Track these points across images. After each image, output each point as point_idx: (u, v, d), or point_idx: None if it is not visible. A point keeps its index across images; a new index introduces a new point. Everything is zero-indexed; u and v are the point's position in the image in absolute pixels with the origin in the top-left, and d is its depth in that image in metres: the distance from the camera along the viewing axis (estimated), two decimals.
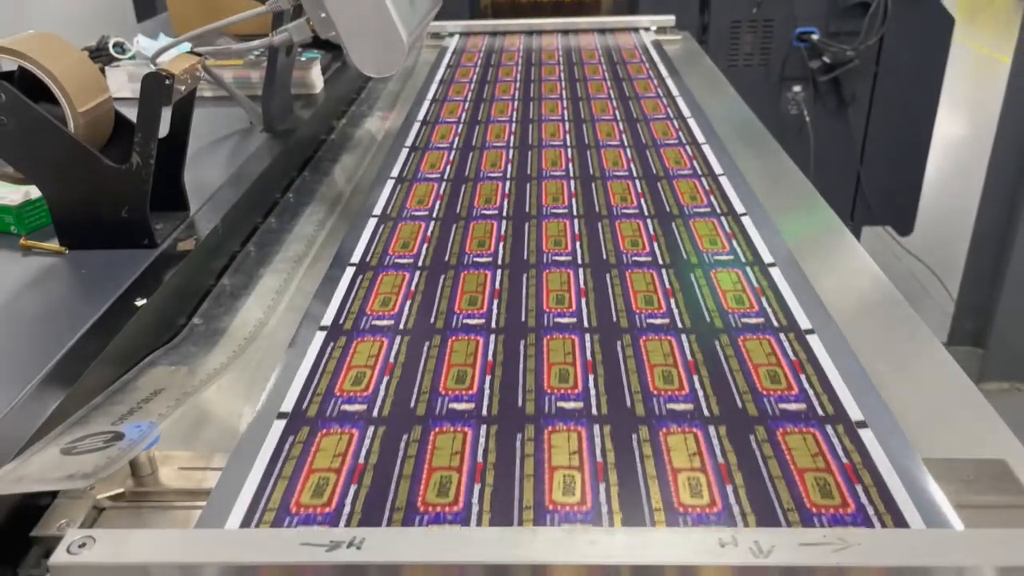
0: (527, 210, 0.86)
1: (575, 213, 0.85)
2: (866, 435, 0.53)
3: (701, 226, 0.81)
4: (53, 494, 0.52)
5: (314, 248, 0.87)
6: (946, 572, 0.40)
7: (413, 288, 0.71)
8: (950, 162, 3.63)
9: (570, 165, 0.98)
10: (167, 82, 0.72)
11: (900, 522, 0.46)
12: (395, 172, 0.98)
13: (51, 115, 0.72)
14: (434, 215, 0.86)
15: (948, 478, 0.49)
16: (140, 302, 0.68)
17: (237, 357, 0.67)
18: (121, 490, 0.52)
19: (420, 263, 0.75)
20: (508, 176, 0.95)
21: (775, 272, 0.72)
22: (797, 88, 2.43)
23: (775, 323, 0.64)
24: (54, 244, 0.77)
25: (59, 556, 0.43)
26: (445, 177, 0.96)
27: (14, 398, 0.57)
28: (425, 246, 0.79)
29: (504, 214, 0.85)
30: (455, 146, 1.05)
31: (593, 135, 1.08)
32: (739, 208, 0.85)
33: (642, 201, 0.87)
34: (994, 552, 0.41)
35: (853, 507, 0.47)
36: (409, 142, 1.08)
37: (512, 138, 1.08)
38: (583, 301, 0.68)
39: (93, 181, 0.74)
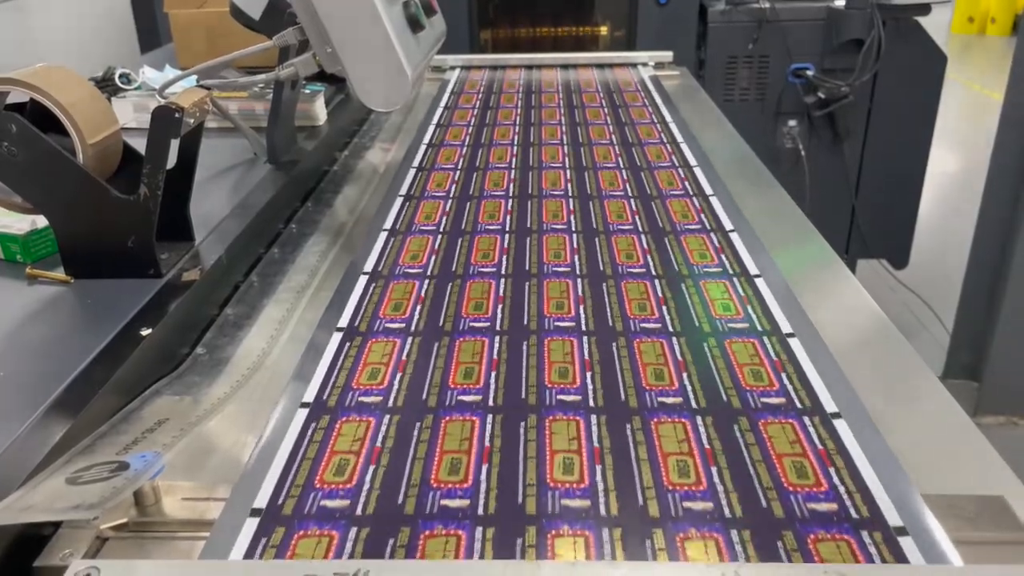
0: (527, 268, 0.82)
1: (578, 272, 0.81)
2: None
3: (712, 288, 0.77)
4: (56, 524, 0.52)
5: (316, 279, 0.88)
6: None
7: (404, 357, 0.66)
8: (944, 196, 3.67)
9: (572, 218, 0.94)
10: (177, 115, 0.73)
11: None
12: (388, 224, 0.94)
13: (61, 146, 0.73)
14: (429, 272, 0.81)
15: (948, 515, 0.50)
16: (145, 332, 0.68)
17: (240, 387, 0.68)
18: (124, 520, 0.52)
19: (413, 328, 0.71)
20: (508, 229, 0.91)
21: (794, 342, 0.68)
22: (792, 123, 2.46)
23: (798, 404, 0.59)
24: (60, 273, 0.78)
25: None
26: (441, 229, 0.92)
27: (20, 426, 0.57)
28: (419, 307, 0.74)
29: (503, 271, 0.81)
30: (452, 194, 1.02)
31: (596, 184, 1.04)
32: (751, 268, 0.81)
33: (649, 259, 0.83)
34: None
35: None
36: (404, 190, 1.04)
37: (512, 186, 1.04)
38: (588, 375, 0.63)
39: (101, 212, 0.74)
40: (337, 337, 0.70)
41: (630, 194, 1.01)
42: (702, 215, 0.94)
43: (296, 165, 1.13)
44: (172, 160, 0.77)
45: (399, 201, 1.01)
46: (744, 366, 0.64)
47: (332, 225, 1.03)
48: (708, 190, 1.02)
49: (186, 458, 0.59)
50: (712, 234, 0.89)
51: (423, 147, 1.22)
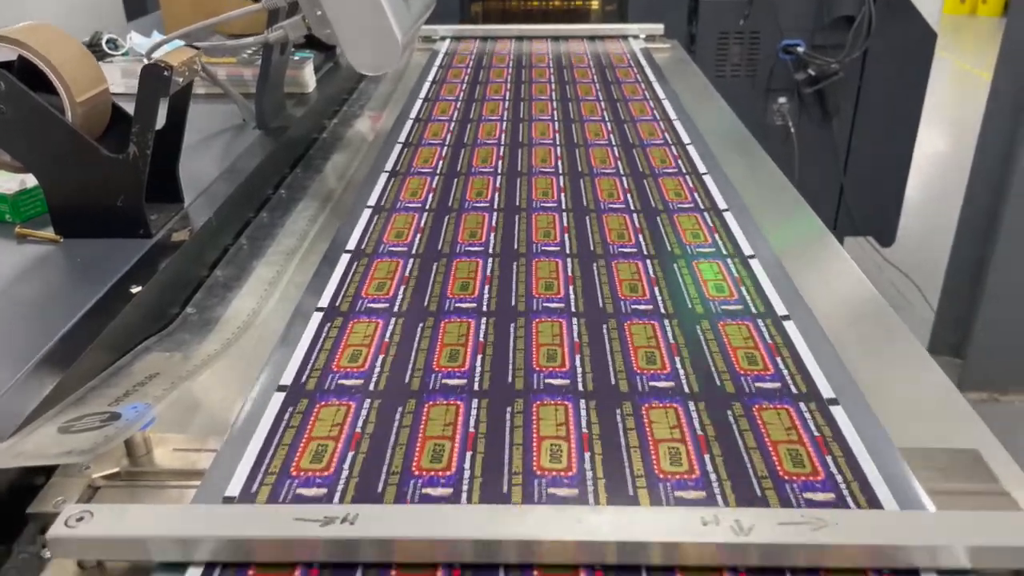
0: (517, 203, 0.89)
1: (564, 207, 0.88)
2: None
3: (683, 220, 0.85)
4: (48, 474, 0.53)
5: (306, 242, 0.88)
6: (920, 551, 0.42)
7: (407, 273, 0.74)
8: (931, 175, 3.68)
9: (559, 163, 1.01)
10: (166, 73, 0.73)
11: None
12: (388, 166, 1.01)
13: (49, 104, 0.73)
14: (427, 206, 0.89)
15: (922, 466, 0.51)
16: (135, 289, 0.68)
17: (231, 344, 0.68)
18: (116, 470, 0.53)
19: (414, 251, 0.79)
20: (500, 171, 0.98)
21: (755, 263, 0.75)
22: (782, 99, 2.46)
23: (753, 310, 0.68)
24: (49, 232, 0.78)
25: (57, 529, 0.43)
26: (438, 171, 0.99)
27: (10, 379, 0.57)
28: (419, 235, 0.82)
29: (496, 206, 0.89)
30: (448, 143, 1.07)
31: (583, 134, 1.11)
32: (720, 203, 0.89)
33: (628, 197, 0.90)
34: (966, 532, 0.43)
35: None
36: (402, 138, 1.10)
37: (503, 135, 1.10)
38: (571, 288, 0.72)
39: (90, 170, 0.74)
40: (346, 257, 0.77)
41: (614, 143, 1.07)
42: (679, 161, 1.01)
43: (285, 131, 1.12)
44: (161, 120, 0.77)
45: (397, 148, 1.07)
46: (708, 282, 0.72)
47: (321, 191, 1.03)
48: (686, 139, 1.09)
49: (176, 412, 0.60)
50: (687, 176, 0.97)
51: (419, 101, 1.24)
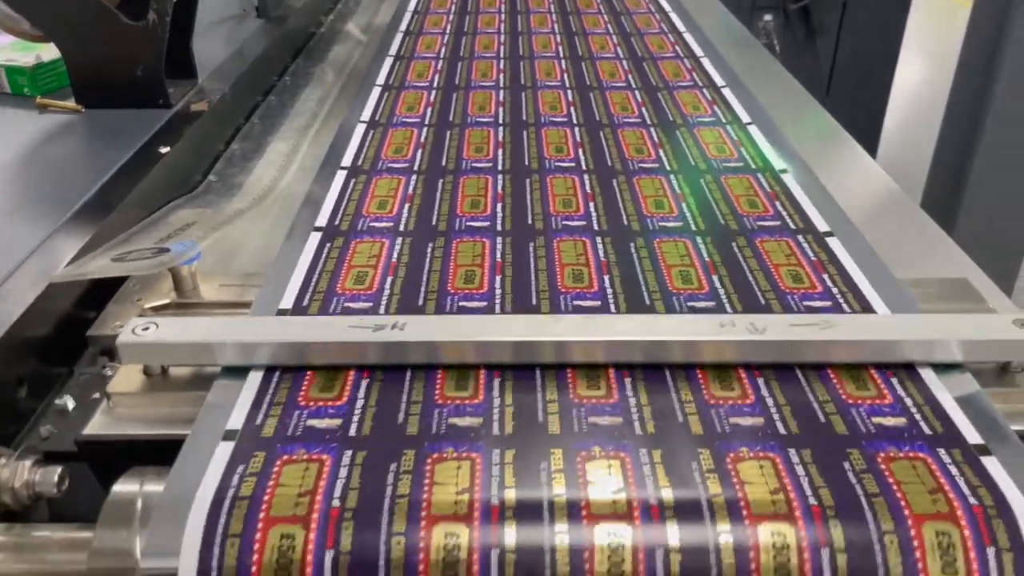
0: (524, 118, 0.85)
1: (575, 121, 0.83)
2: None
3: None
4: (99, 308, 0.56)
5: (318, 121, 0.90)
6: (917, 345, 0.47)
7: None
8: (909, 99, 3.72)
9: (565, 76, 0.98)
10: None
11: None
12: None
13: None
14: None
15: (915, 292, 0.55)
16: (164, 149, 0.71)
17: (258, 204, 0.71)
18: (167, 301, 0.56)
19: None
20: (501, 85, 0.93)
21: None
22: (768, 17, 2.47)
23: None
24: (70, 103, 0.79)
25: (126, 336, 0.47)
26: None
27: (50, 228, 0.60)
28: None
29: (501, 121, 0.84)
30: (442, 56, 1.03)
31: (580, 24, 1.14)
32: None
33: (644, 111, 0.87)
34: (959, 329, 0.47)
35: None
36: (393, 51, 1.04)
37: (502, 48, 1.06)
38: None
39: (110, 38, 0.76)
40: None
41: (621, 56, 1.04)
42: (694, 74, 0.99)
43: (285, 21, 1.13)
44: None
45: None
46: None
47: (326, 78, 1.04)
48: (698, 51, 1.07)
49: (216, 256, 0.63)
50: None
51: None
